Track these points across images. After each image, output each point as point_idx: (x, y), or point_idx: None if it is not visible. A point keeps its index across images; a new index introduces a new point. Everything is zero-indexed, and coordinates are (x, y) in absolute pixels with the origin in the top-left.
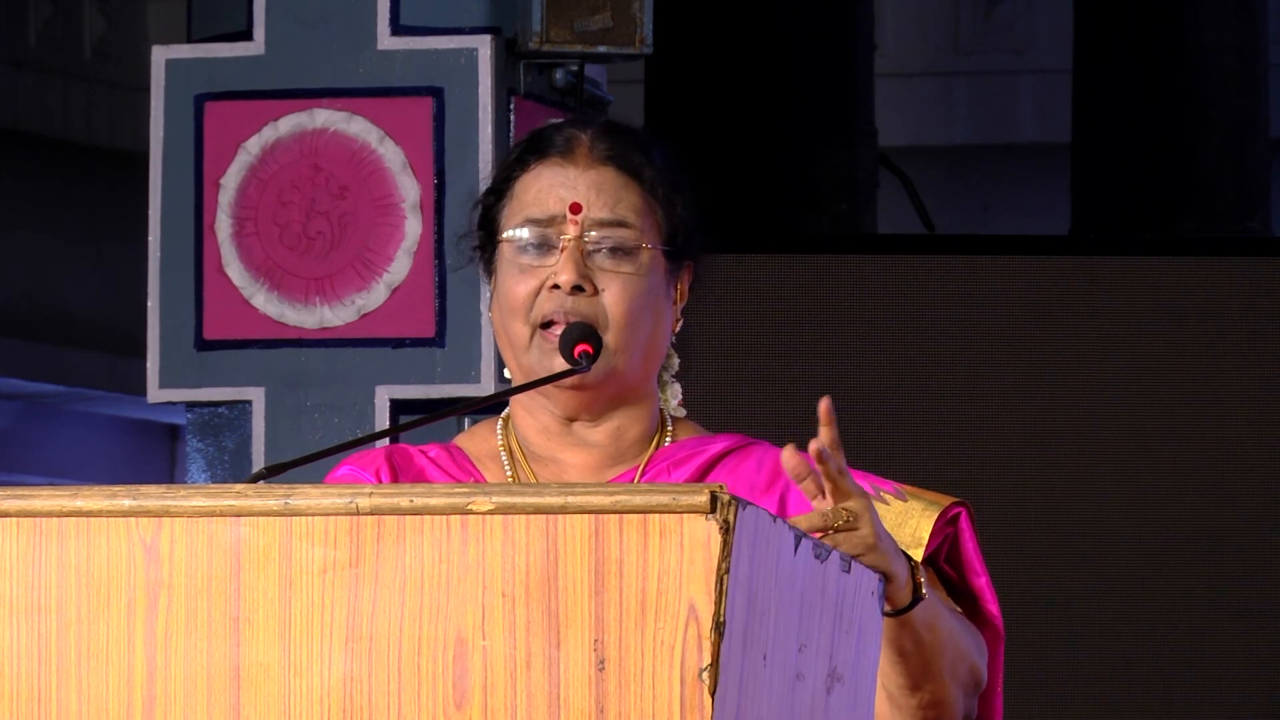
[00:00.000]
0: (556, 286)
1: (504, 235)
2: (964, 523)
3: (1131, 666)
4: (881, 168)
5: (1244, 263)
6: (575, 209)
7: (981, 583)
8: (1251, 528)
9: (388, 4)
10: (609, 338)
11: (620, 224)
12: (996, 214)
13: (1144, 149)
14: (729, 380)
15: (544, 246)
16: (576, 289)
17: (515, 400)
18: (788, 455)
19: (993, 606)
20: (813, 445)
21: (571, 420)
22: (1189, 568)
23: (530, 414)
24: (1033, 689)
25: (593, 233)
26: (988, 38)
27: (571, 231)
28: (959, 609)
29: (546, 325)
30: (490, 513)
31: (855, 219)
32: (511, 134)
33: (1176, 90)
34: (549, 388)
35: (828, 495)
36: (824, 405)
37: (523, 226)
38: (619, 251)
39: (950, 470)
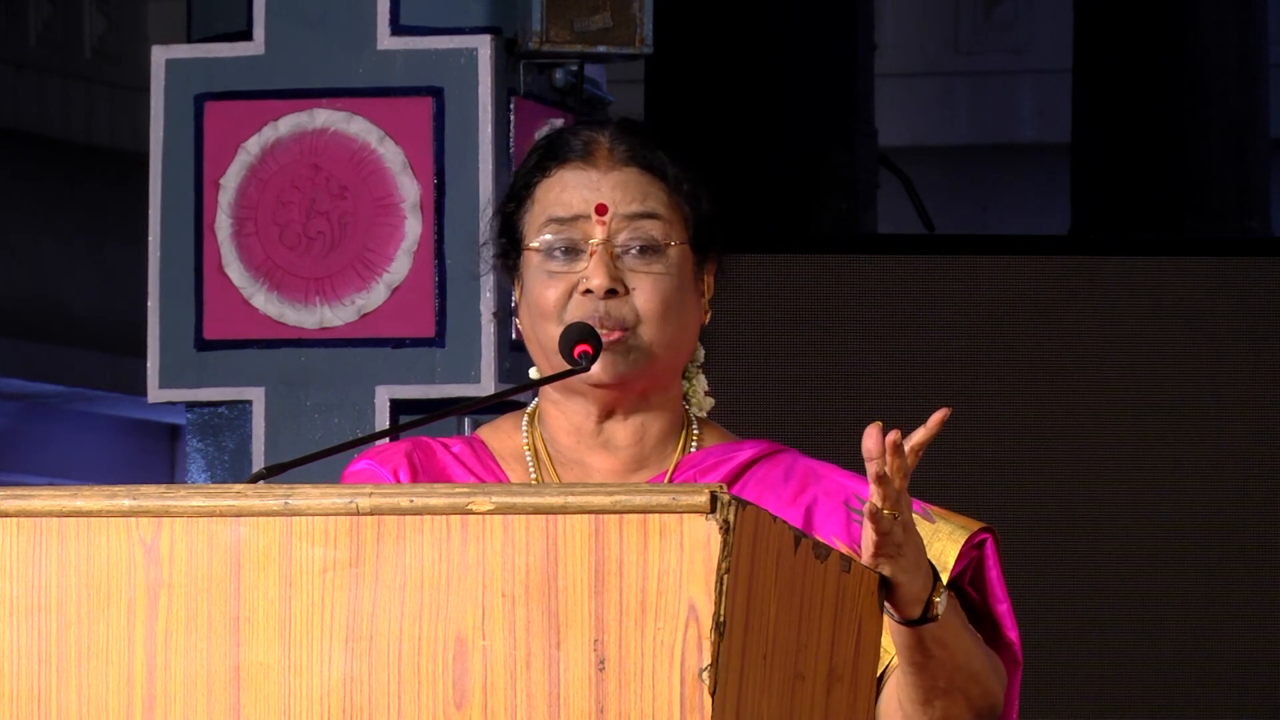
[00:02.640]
0: (588, 291)
1: (530, 244)
2: (989, 549)
3: (1131, 666)
4: (881, 168)
5: (1244, 263)
6: (601, 210)
7: (1003, 609)
8: (1251, 528)
9: (388, 4)
10: (644, 333)
11: (650, 215)
12: (996, 214)
13: (1144, 149)
14: (729, 380)
15: (572, 252)
16: (610, 292)
17: (545, 397)
18: (873, 431)
19: (1012, 634)
20: (896, 435)
21: (606, 415)
22: (1189, 567)
23: (563, 412)
24: (1032, 689)
25: (621, 234)
26: (988, 38)
27: (599, 234)
28: (979, 636)
29: None
30: (490, 513)
31: (855, 219)
32: (511, 134)
33: (1176, 90)
34: (584, 387)
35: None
36: (939, 414)
37: (547, 227)
38: (648, 251)
39: (950, 470)
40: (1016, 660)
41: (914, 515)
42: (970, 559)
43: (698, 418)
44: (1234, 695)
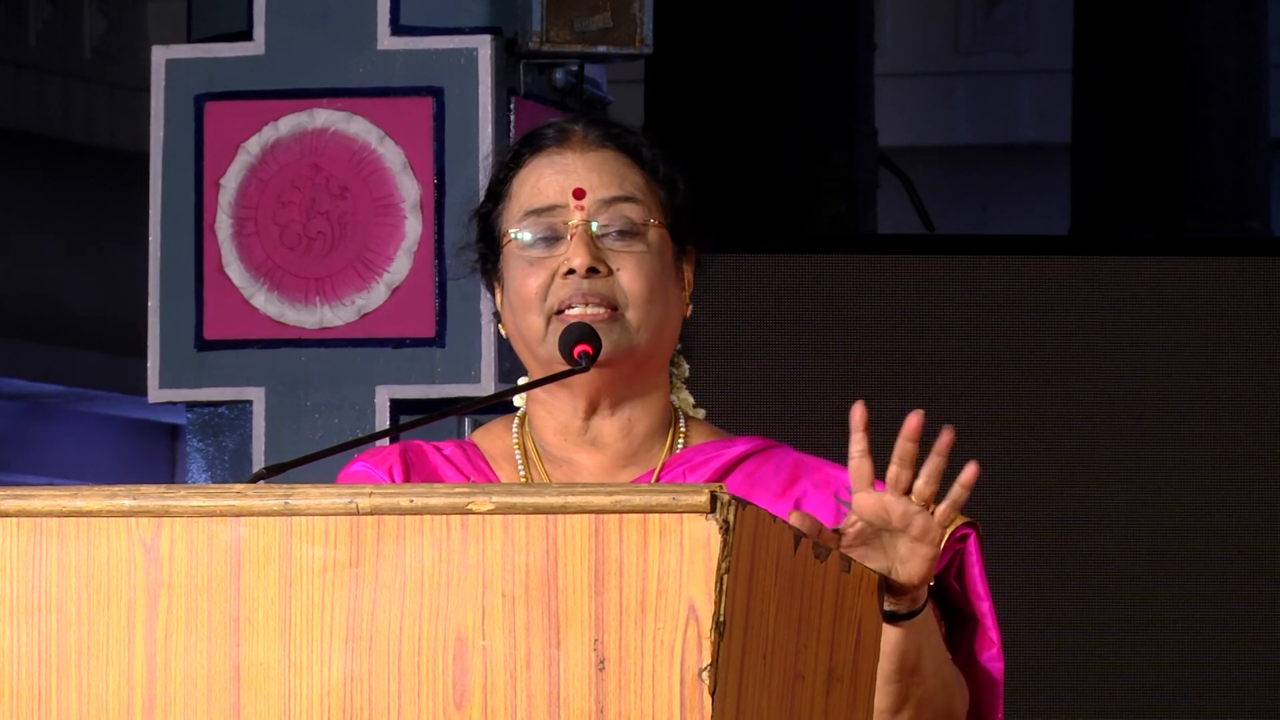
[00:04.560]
0: (570, 272)
1: (508, 235)
2: (972, 544)
3: (1131, 666)
4: (881, 168)
5: (1244, 263)
6: (579, 194)
7: (985, 607)
8: (1251, 528)
9: (388, 4)
10: (629, 315)
11: (627, 199)
12: (996, 214)
13: (1144, 149)
14: (729, 380)
15: (551, 238)
16: (591, 271)
17: (532, 398)
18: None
19: (994, 633)
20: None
21: (592, 410)
22: (1189, 568)
23: (549, 411)
24: (1033, 689)
25: (600, 217)
26: (988, 38)
27: (578, 217)
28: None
29: (561, 312)
30: (490, 513)
31: (855, 219)
32: (512, 134)
33: (1176, 90)
34: (569, 379)
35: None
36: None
37: (525, 220)
38: (627, 234)
39: (948, 470)
40: (998, 661)
41: None
42: (955, 552)
43: (686, 415)
44: (1234, 695)
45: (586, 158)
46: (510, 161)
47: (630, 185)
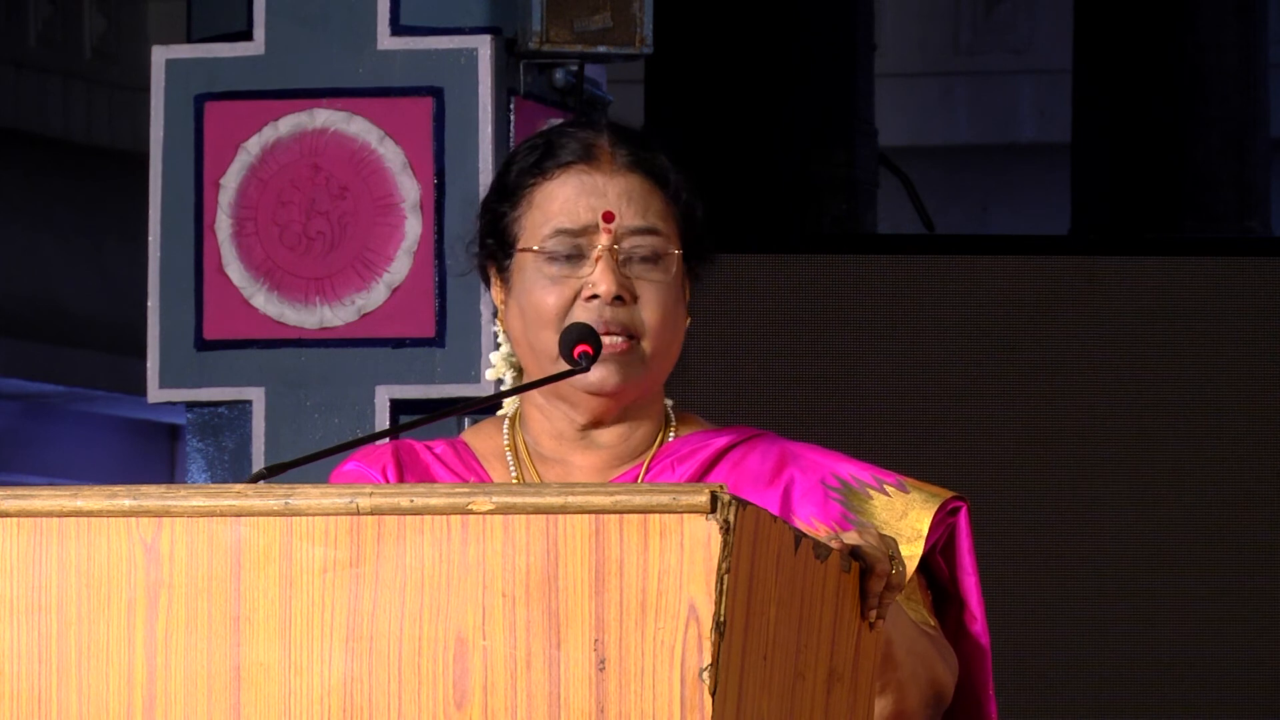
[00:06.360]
0: (594, 297)
1: (533, 246)
2: (962, 519)
3: (1131, 666)
4: (881, 168)
5: (1244, 263)
6: (608, 218)
7: (971, 583)
8: (1251, 528)
9: (388, 4)
10: (646, 345)
11: (651, 231)
12: (996, 214)
13: (1144, 149)
14: (729, 380)
15: (575, 257)
16: (616, 299)
17: (529, 400)
18: None
19: (977, 609)
20: None
21: (592, 425)
22: (1189, 568)
23: (546, 417)
24: (1032, 689)
25: (625, 242)
26: (988, 38)
27: (604, 241)
28: (933, 622)
29: None
30: (490, 513)
31: (855, 219)
32: (511, 134)
33: (1176, 90)
34: (573, 394)
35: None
36: None
37: (552, 237)
38: (650, 260)
39: (949, 470)
40: (984, 634)
41: (890, 487)
42: (947, 526)
43: (675, 410)
44: (1234, 695)
45: (616, 181)
46: (534, 167)
47: (653, 214)
